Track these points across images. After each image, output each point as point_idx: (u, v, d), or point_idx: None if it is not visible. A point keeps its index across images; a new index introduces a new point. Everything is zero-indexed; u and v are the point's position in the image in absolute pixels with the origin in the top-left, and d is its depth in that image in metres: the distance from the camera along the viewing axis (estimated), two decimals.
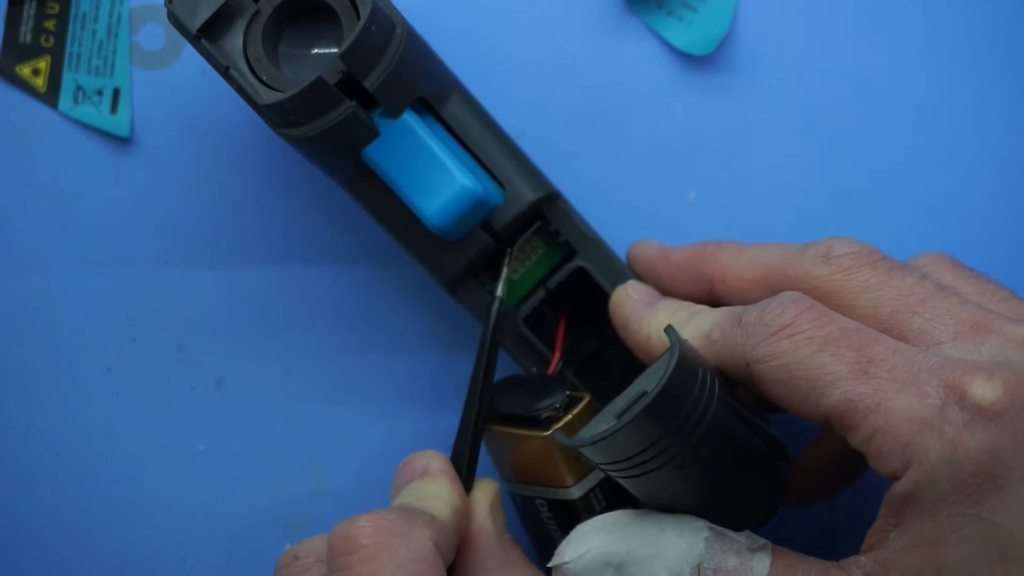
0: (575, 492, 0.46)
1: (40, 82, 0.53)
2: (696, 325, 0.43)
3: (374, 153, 0.46)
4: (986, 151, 0.52)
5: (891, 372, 0.38)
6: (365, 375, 0.53)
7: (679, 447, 0.39)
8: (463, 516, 0.44)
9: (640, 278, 0.48)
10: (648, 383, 0.40)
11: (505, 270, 0.48)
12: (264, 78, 0.45)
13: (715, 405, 0.40)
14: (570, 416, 0.45)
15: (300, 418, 0.53)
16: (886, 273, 0.42)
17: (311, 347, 0.53)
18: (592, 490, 0.46)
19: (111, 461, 0.54)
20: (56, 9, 0.53)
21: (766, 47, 0.52)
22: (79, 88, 0.53)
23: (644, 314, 0.45)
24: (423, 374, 0.53)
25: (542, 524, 0.47)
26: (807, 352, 0.39)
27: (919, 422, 0.38)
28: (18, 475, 0.54)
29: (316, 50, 0.47)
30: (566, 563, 0.41)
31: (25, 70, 0.53)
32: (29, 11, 0.53)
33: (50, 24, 0.53)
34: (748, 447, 0.41)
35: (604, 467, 0.41)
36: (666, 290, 0.48)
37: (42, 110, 0.53)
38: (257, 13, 0.46)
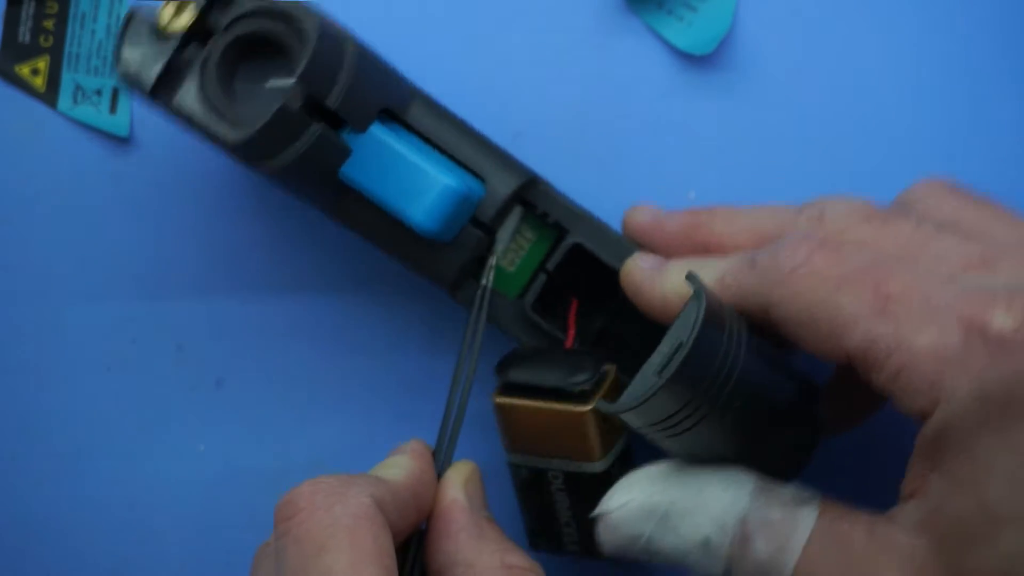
0: (600, 466, 0.46)
1: (39, 82, 0.53)
2: (708, 273, 0.43)
3: (351, 171, 0.46)
4: (986, 150, 0.52)
5: (910, 308, 0.38)
6: (365, 375, 0.53)
7: (719, 392, 0.39)
8: (422, 483, 0.44)
9: (637, 245, 0.48)
10: (681, 334, 0.40)
11: (492, 258, 0.48)
12: (228, 120, 0.45)
13: (744, 348, 0.40)
14: (603, 390, 0.46)
15: (300, 418, 0.53)
16: (882, 225, 0.42)
17: (311, 347, 0.53)
18: (613, 463, 0.47)
19: (111, 461, 0.54)
20: (55, 9, 0.53)
21: (766, 47, 0.52)
22: (78, 88, 0.53)
23: (654, 276, 0.45)
24: (423, 374, 0.53)
25: (549, 496, 0.47)
26: (824, 292, 0.39)
27: (943, 359, 0.37)
28: (18, 475, 0.54)
29: (271, 83, 0.47)
30: (610, 512, 0.42)
31: (24, 70, 0.53)
32: (28, 11, 0.53)
33: (49, 24, 0.53)
34: (781, 389, 0.41)
35: (648, 429, 0.41)
36: (663, 256, 0.48)
37: (41, 110, 0.53)
38: (207, 59, 0.46)
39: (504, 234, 0.49)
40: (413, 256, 0.48)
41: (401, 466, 0.44)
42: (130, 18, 0.45)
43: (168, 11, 0.45)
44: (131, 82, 0.46)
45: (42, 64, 0.53)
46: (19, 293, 0.54)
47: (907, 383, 0.38)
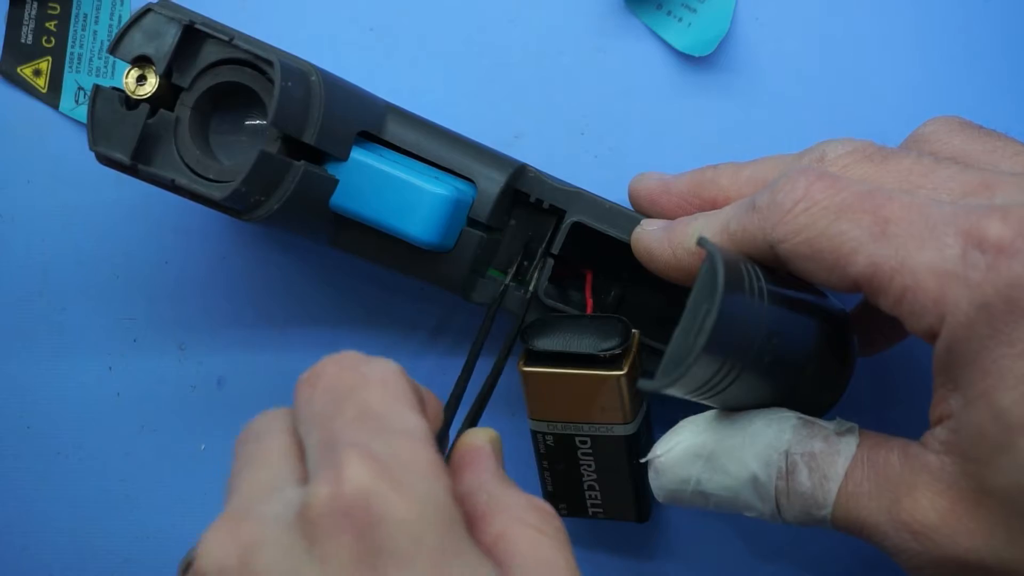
0: (631, 428, 0.47)
1: (41, 83, 0.53)
2: (713, 224, 0.43)
3: (341, 200, 0.46)
4: None
5: (909, 229, 0.38)
6: None
7: (752, 344, 0.40)
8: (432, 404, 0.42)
9: (644, 214, 0.49)
10: (702, 298, 0.40)
11: (535, 269, 0.49)
12: (210, 176, 0.46)
13: (767, 291, 0.40)
14: (632, 353, 0.47)
15: None
16: (883, 162, 0.42)
17: (311, 347, 0.53)
18: (641, 424, 0.48)
19: (111, 461, 0.54)
20: (57, 10, 0.53)
21: (766, 47, 0.52)
22: (80, 89, 0.53)
23: (663, 237, 0.46)
24: (422, 374, 0.53)
25: (574, 461, 0.48)
26: (825, 223, 0.40)
27: (944, 274, 0.37)
28: (18, 475, 0.54)
29: (246, 130, 0.47)
30: (657, 456, 0.43)
31: (26, 71, 0.53)
32: (30, 12, 0.53)
33: (51, 25, 0.53)
34: (809, 327, 0.42)
35: (690, 394, 0.41)
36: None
37: (43, 110, 0.53)
38: (178, 120, 0.46)
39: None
40: (421, 269, 0.48)
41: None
42: (96, 94, 0.45)
43: (132, 78, 0.45)
44: (109, 162, 0.46)
45: (44, 65, 0.53)
46: (19, 293, 0.54)
47: (912, 303, 0.38)
